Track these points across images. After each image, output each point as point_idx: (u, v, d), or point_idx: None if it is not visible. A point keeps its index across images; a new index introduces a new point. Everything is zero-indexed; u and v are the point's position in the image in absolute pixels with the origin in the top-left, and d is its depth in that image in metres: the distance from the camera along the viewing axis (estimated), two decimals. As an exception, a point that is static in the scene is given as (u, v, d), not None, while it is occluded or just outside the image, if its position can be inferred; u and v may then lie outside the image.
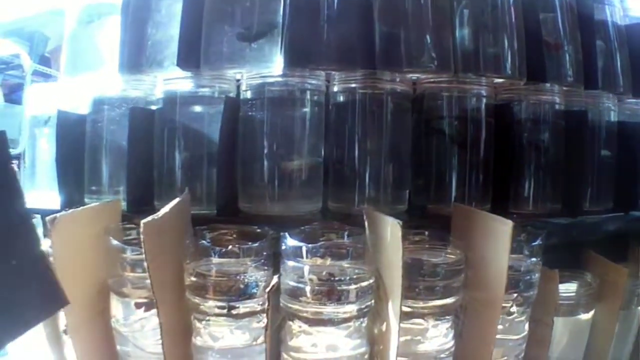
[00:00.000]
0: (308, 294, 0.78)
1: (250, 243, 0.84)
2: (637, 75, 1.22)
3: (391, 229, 0.77)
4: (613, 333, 1.06)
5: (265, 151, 0.98)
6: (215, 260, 0.83)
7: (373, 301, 0.81)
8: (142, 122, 1.03)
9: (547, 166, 1.08)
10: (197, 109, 1.03)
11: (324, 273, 0.79)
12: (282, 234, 0.82)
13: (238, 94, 1.01)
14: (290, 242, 0.80)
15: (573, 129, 1.08)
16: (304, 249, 0.79)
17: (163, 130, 1.03)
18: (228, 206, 0.98)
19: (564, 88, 1.10)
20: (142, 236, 0.74)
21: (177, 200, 0.86)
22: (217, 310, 0.82)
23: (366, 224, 0.87)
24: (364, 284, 0.80)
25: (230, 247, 0.83)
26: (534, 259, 0.91)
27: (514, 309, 0.91)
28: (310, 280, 0.78)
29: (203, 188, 1.01)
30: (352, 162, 0.99)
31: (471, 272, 0.86)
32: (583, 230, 1.09)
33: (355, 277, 0.80)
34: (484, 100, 1.03)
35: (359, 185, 0.99)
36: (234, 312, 0.82)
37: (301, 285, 0.78)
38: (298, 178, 0.99)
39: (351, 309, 0.79)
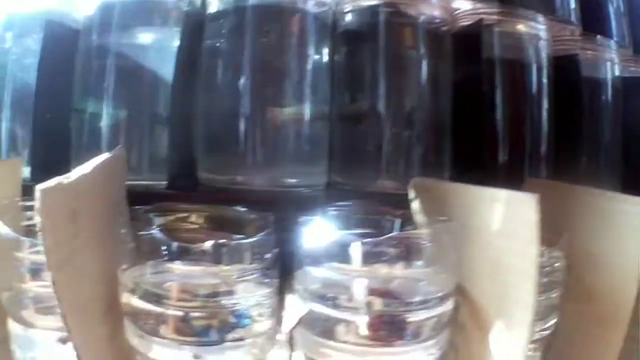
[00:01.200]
0: (355, 331, 0.44)
1: (240, 236, 0.48)
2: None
3: (520, 209, 0.44)
4: None
5: (243, 92, 0.60)
6: (176, 266, 0.44)
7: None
8: (59, 47, 0.63)
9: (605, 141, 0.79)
10: (145, 32, 0.63)
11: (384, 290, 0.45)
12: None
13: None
14: (325, 232, 0.45)
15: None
16: (354, 249, 0.44)
17: (89, 61, 0.63)
18: (183, 175, 0.61)
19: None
20: (38, 212, 0.38)
21: (103, 157, 0.48)
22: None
23: (417, 204, 0.53)
24: (444, 308, 0.47)
25: (203, 244, 0.44)
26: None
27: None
28: (369, 306, 0.44)
29: (144, 149, 0.63)
30: (373, 118, 0.63)
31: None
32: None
33: (434, 296, 0.46)
34: (544, 45, 0.71)
35: (384, 152, 0.63)
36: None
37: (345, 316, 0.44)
38: (293, 134, 0.62)
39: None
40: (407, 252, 0.46)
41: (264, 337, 0.47)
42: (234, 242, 0.46)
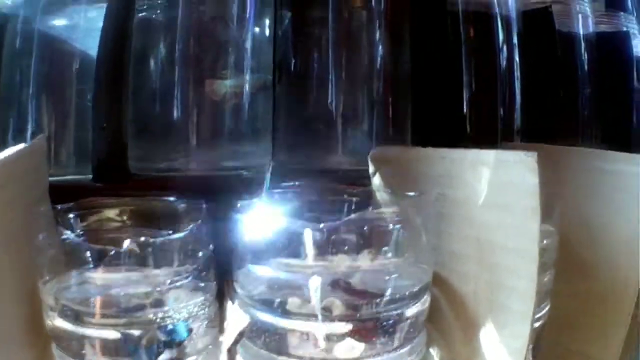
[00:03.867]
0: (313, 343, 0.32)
1: (168, 233, 0.35)
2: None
3: (516, 172, 0.33)
4: None
5: (177, 65, 0.47)
6: (97, 275, 0.33)
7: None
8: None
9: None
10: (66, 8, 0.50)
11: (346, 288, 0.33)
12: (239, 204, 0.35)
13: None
14: (267, 220, 0.33)
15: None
16: (306, 238, 0.32)
17: (14, 43, 0.50)
18: (111, 166, 0.48)
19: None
20: None
21: (19, 147, 0.36)
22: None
23: (378, 179, 0.41)
24: (420, 305, 0.35)
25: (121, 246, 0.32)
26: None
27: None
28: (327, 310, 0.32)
29: (69, 139, 0.50)
30: (322, 86, 0.50)
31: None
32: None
33: (408, 291, 0.34)
34: None
35: (337, 123, 0.50)
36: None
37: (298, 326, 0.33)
38: (232, 110, 0.49)
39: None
40: (372, 239, 0.34)
41: (202, 355, 0.35)
42: (157, 240, 0.33)
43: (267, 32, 0.51)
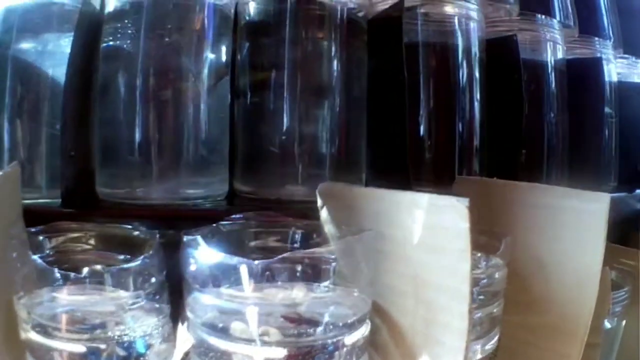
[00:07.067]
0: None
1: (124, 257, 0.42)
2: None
3: (447, 217, 0.36)
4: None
5: (139, 95, 0.50)
6: (62, 295, 0.37)
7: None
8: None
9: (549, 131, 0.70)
10: (39, 35, 0.53)
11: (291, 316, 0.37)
12: (184, 235, 0.39)
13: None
14: (208, 255, 0.37)
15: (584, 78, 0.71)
16: (243, 271, 0.35)
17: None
18: (80, 191, 0.50)
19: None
20: None
21: None
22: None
23: (325, 213, 0.44)
24: (358, 333, 0.39)
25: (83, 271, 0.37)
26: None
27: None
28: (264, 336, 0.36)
29: (42, 164, 0.53)
30: (278, 117, 0.53)
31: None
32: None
33: (346, 321, 0.38)
34: (476, 27, 0.62)
35: (290, 154, 0.53)
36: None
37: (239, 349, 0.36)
38: (190, 140, 0.51)
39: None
40: (312, 271, 0.38)
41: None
42: (114, 268, 0.39)
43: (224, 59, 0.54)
